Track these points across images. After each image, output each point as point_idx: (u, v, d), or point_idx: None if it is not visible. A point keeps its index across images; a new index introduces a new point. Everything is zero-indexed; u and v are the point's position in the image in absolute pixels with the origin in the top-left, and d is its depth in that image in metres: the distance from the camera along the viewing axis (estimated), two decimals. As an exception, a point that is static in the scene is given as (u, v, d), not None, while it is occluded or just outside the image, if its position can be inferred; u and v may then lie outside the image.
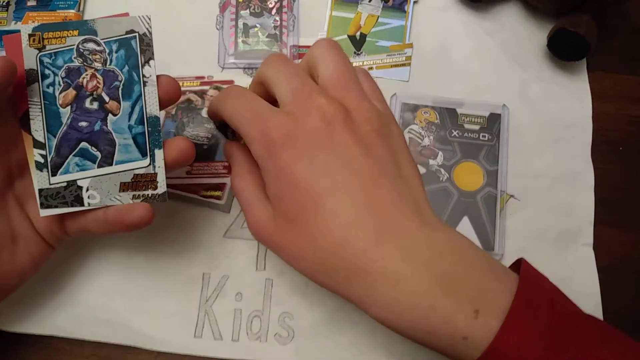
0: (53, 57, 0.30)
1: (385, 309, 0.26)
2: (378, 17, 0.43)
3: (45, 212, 0.31)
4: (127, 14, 0.30)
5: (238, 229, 0.38)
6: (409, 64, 0.42)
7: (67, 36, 0.30)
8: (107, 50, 0.30)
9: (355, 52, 0.42)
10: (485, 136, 0.40)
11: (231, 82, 0.41)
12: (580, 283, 0.37)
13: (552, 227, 0.39)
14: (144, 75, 0.30)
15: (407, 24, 0.43)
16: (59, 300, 0.37)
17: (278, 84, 0.29)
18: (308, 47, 0.42)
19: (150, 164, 0.30)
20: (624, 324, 0.27)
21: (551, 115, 0.41)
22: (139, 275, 0.37)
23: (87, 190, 0.30)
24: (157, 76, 0.31)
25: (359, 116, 0.28)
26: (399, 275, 0.25)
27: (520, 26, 0.44)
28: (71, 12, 0.43)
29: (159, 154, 0.30)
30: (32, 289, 0.37)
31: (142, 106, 0.30)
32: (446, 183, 0.39)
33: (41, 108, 0.30)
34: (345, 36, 0.43)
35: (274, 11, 0.43)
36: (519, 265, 0.27)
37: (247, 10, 0.43)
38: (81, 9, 0.43)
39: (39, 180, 0.30)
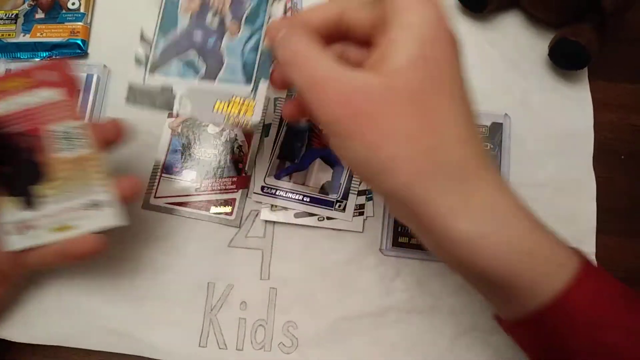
0: None
1: (484, 217, 0.24)
2: (380, 27, 0.44)
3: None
4: None
5: (243, 238, 0.39)
6: (412, 74, 0.43)
7: None
8: None
9: (358, 63, 0.43)
10: (487, 145, 0.40)
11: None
12: (583, 292, 0.38)
13: (555, 236, 0.39)
14: (272, 10, 0.30)
15: (410, 34, 0.44)
16: (66, 311, 0.37)
17: None
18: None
19: (252, 91, 0.30)
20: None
21: (553, 125, 0.42)
22: (145, 285, 0.38)
23: (181, 97, 0.30)
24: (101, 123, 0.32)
25: None
26: (504, 185, 0.25)
27: (521, 36, 0.44)
28: (79, 25, 0.43)
29: (263, 85, 0.30)
30: (40, 300, 0.37)
31: (260, 37, 0.30)
32: (449, 192, 0.39)
33: (160, 7, 0.30)
34: (348, 47, 0.43)
35: (277, 22, 0.43)
36: None
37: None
38: (88, 21, 0.44)
39: (134, 74, 0.30)
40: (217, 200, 0.39)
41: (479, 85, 0.42)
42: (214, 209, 0.39)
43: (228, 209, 0.39)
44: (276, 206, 0.39)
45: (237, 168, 0.40)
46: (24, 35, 0.43)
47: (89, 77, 0.42)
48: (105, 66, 0.42)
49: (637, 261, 0.39)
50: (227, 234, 0.39)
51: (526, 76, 0.43)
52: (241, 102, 0.30)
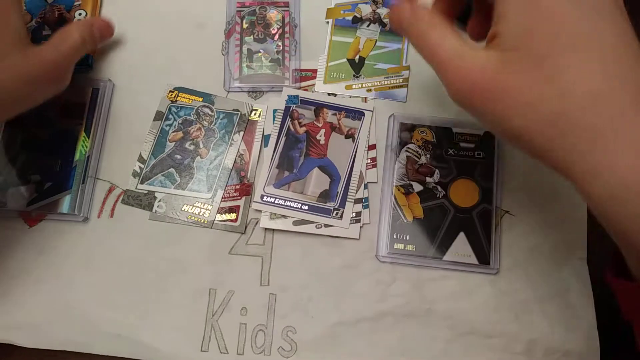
0: (178, 109, 0.43)
1: (628, 180, 0.22)
2: (376, 41, 0.45)
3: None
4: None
5: (243, 245, 0.40)
6: (406, 86, 0.44)
7: (194, 99, 0.43)
8: (216, 117, 0.42)
9: (354, 75, 0.44)
10: (480, 154, 0.41)
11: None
12: (575, 296, 0.38)
13: (547, 241, 0.40)
14: (232, 139, 0.42)
15: (404, 47, 0.45)
16: (71, 316, 0.38)
17: None
18: (309, 70, 0.44)
19: (211, 198, 0.40)
20: (619, 338, 0.27)
21: (544, 133, 0.43)
22: (148, 291, 0.39)
23: (159, 201, 0.40)
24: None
25: None
26: None
27: (513, 48, 0.45)
28: (84, 41, 0.45)
29: (219, 193, 0.40)
30: (47, 306, 0.39)
31: (222, 159, 0.41)
32: (443, 200, 0.40)
33: (155, 138, 0.42)
34: (345, 59, 0.45)
35: (276, 37, 0.45)
36: None
37: (251, 37, 0.45)
38: (94, 37, 0.46)
39: (130, 183, 0.41)
40: (221, 207, 0.40)
41: (472, 96, 0.44)
42: (219, 217, 0.40)
43: (233, 215, 0.40)
44: (275, 214, 0.40)
45: (240, 176, 0.41)
46: (32, 51, 0.45)
47: (95, 91, 0.43)
48: (110, 80, 0.44)
49: (628, 266, 0.40)
50: (228, 242, 0.40)
51: (518, 86, 0.44)
52: (202, 205, 0.40)
